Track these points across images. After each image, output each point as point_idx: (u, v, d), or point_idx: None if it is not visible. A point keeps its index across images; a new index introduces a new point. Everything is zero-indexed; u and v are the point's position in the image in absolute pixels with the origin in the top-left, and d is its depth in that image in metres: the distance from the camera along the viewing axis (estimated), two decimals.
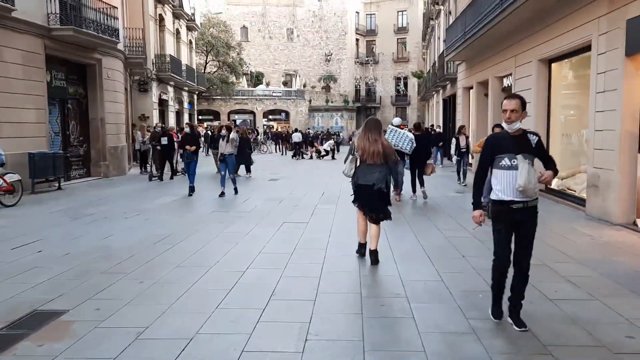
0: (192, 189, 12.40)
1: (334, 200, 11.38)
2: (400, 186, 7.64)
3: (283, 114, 54.60)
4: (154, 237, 7.55)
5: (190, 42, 35.98)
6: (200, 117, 52.84)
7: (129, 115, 24.55)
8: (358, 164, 6.05)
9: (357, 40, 62.82)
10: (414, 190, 11.68)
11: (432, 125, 28.71)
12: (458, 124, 21.05)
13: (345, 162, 6.29)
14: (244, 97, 53.40)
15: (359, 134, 6.11)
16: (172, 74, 27.32)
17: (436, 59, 27.23)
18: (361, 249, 6.29)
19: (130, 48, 20.25)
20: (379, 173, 5.92)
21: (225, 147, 12.08)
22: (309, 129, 44.63)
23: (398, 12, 61.93)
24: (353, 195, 6.22)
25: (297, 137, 29.91)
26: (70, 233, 7.92)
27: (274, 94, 54.21)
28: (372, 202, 6.00)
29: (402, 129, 11.94)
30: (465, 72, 19.87)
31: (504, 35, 13.83)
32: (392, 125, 11.34)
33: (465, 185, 14.11)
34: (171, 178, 16.38)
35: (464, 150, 14.78)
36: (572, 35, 10.16)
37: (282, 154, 33.28)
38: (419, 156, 11.38)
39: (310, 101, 54.80)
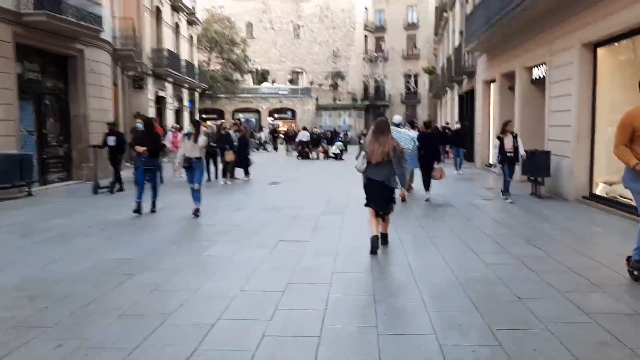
0: (138, 207, 9.00)
1: (340, 210, 9.67)
2: (405, 182, 7.19)
3: (289, 113, 52.95)
4: (109, 263, 5.88)
5: (191, 38, 34.38)
6: (204, 116, 51.43)
7: (122, 113, 23.08)
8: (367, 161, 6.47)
9: (365, 36, 61.03)
10: (427, 190, 11.09)
11: (447, 124, 26.83)
12: (478, 121, 19.28)
13: (357, 158, 6.73)
14: (249, 96, 51.81)
15: (369, 135, 6.64)
16: (169, 70, 25.72)
17: (451, 53, 25.44)
18: (374, 242, 6.32)
19: (120, 40, 18.64)
20: (388, 170, 6.39)
21: (190, 149, 8.88)
22: (315, 128, 42.92)
23: (408, 7, 60.08)
24: (366, 199, 6.73)
25: (304, 136, 28.21)
26: (6, 257, 6.27)
27: (279, 92, 52.58)
28: (381, 199, 6.55)
29: (414, 128, 12.32)
30: (486, 64, 18.08)
31: (536, 19, 12.05)
32: (393, 123, 10.43)
33: (511, 202, 10.37)
34: (118, 190, 12.33)
35: (511, 154, 10.54)
36: (626, 12, 8.41)
37: (287, 152, 31.48)
38: (427, 155, 11.03)
39: (317, 99, 53.10)
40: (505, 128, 10.82)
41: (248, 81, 53.09)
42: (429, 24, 57.30)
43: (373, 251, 6.24)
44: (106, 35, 16.26)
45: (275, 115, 53.17)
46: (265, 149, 35.90)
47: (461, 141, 17.44)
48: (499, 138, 10.90)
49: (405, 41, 61.24)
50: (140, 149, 9.17)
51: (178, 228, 8.15)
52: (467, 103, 23.05)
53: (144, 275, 5.43)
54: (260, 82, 54.97)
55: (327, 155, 27.01)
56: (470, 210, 9.72)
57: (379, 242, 6.38)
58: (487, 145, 18.84)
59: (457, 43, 24.47)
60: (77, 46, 14.73)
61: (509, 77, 15.87)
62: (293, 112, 52.50)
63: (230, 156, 14.65)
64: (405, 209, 9.86)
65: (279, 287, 4.94)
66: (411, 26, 60.74)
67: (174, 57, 26.81)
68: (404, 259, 5.98)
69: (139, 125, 21.48)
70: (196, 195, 8.99)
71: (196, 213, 8.94)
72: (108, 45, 16.64)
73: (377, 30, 62.02)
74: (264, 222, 8.47)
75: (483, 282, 5.09)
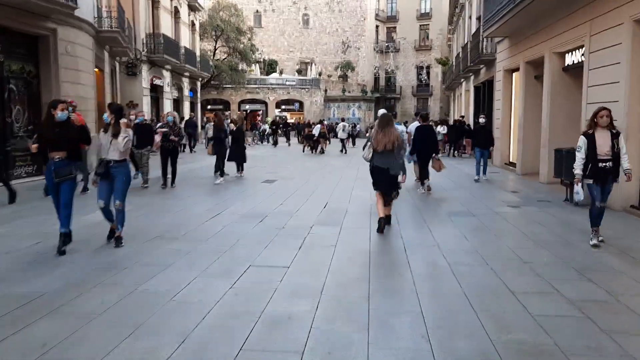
0: (65, 238, 5.88)
1: (338, 219, 7.98)
2: (405, 171, 7.49)
3: (297, 104, 51.24)
4: (9, 301, 4.25)
5: (193, 24, 32.71)
6: (209, 107, 49.88)
7: (111, 101, 21.51)
8: (373, 151, 7.19)
9: (376, 26, 59.08)
10: (422, 183, 11.08)
11: (462, 117, 25.02)
12: (497, 114, 17.45)
13: (364, 148, 7.59)
14: (256, 86, 50.08)
15: (375, 127, 7.40)
16: (166, 56, 24.07)
17: (468, 40, 23.53)
18: (381, 223, 7.07)
19: (108, 21, 16.98)
20: (391, 159, 7.08)
21: (110, 149, 6.14)
22: (323, 120, 41.18)
23: None
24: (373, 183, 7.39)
25: (316, 130, 26.53)
26: None
27: (287, 83, 50.81)
28: (386, 183, 7.22)
29: (427, 122, 12.12)
30: (508, 51, 16.22)
31: None
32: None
33: (596, 245, 6.34)
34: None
35: (606, 165, 6.24)
36: None
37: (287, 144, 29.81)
38: (423, 147, 10.97)
39: (325, 91, 51.27)
40: (597, 120, 6.29)
41: (255, 71, 51.34)
42: (442, 14, 55.26)
43: (380, 230, 7.03)
44: (86, 14, 14.63)
45: (283, 107, 51.51)
46: (268, 141, 34.23)
47: (487, 140, 13.61)
48: (587, 135, 6.36)
49: (418, 32, 59.26)
50: (33, 147, 5.94)
51: (133, 245, 6.50)
52: (484, 95, 21.18)
53: (37, 325, 3.79)
54: (268, 73, 53.23)
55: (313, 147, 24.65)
56: (496, 221, 7.99)
57: (384, 224, 7.11)
58: (508, 141, 17.03)
59: (474, 30, 22.57)
60: (49, 25, 13.09)
61: (535, 64, 14.04)
62: (301, 103, 50.79)
63: (209, 150, 13.39)
64: (415, 214, 8.18)
65: (228, 354, 3.27)
66: (424, 16, 58.71)
67: (171, 43, 25.17)
68: (416, 309, 4.26)
69: (105, 116, 19.57)
70: (119, 218, 6.25)
71: (117, 241, 6.20)
72: (88, 26, 15.01)
73: (389, 20, 60.06)
74: (240, 236, 6.80)
75: (535, 355, 3.38)
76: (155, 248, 6.19)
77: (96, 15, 15.95)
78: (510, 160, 16.82)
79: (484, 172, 13.58)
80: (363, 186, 11.47)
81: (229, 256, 5.79)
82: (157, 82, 25.50)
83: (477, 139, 13.79)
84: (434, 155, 11.16)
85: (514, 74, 16.57)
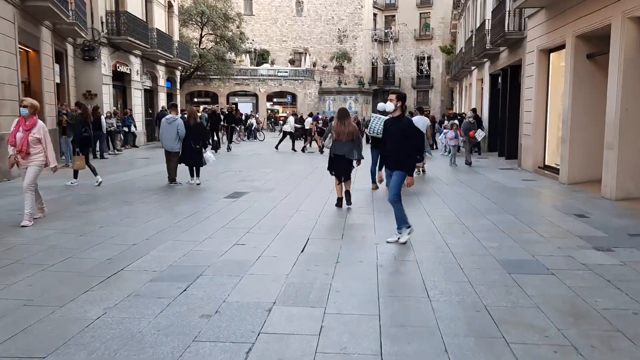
0: None
1: (320, 287, 4.57)
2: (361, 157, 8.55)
3: (289, 97, 47.74)
4: None
5: (170, 5, 29.07)
6: (195, 100, 46.36)
7: (69, 91, 18.11)
8: (334, 140, 8.40)
9: (374, 15, 55.62)
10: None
11: (474, 110, 21.43)
12: (528, 106, 14.04)
13: (325, 139, 9.67)
14: (246, 78, 46.62)
15: (335, 120, 8.64)
16: (131, 39, 20.49)
17: (485, 19, 20.04)
18: (339, 201, 8.35)
19: None
20: (348, 147, 8.24)
21: None
22: (317, 114, 37.71)
23: None
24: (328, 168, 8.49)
25: (307, 123, 23.61)
26: None
27: (279, 74, 47.29)
28: (342, 168, 8.28)
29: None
30: (545, 25, 12.77)
31: None
32: (377, 110, 9.67)
33: None
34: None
35: None
36: None
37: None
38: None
39: (320, 82, 47.71)
40: None
41: (245, 62, 47.77)
42: (444, 2, 51.82)
43: (339, 204, 8.31)
44: None
45: (275, 100, 48.00)
46: (255, 137, 30.78)
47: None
48: None
49: (418, 20, 55.86)
50: None
51: None
52: (507, 84, 17.75)
53: None
54: (259, 64, 49.66)
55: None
56: (595, 289, 4.59)
57: (343, 202, 8.34)
58: (543, 139, 13.62)
59: (492, 5, 19.10)
60: None
61: (591, 39, 10.65)
62: (294, 96, 47.33)
63: (78, 163, 10.51)
64: (454, 269, 4.78)
65: None
66: (424, 3, 55.36)
67: (137, 23, 21.58)
68: None
69: (63, 111, 16.44)
70: None
71: None
72: None
73: (388, 8, 56.71)
74: (119, 345, 3.40)
75: None
76: None
77: None
78: (546, 163, 13.43)
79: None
80: (366, 207, 8.08)
81: None
82: (122, 69, 21.97)
83: None
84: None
85: (551, 55, 13.15)
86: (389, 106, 6.06)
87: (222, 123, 23.69)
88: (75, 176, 10.71)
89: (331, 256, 5.50)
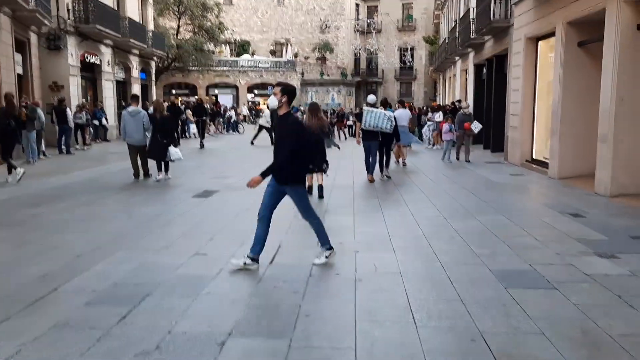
0: None
1: (284, 325, 3.87)
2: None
3: (270, 89, 46.46)
4: None
5: None
6: (174, 92, 45.23)
7: (33, 82, 17.12)
8: None
9: (356, 5, 54.71)
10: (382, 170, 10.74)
11: (459, 101, 20.90)
12: (515, 97, 13.46)
13: None
14: (226, 69, 45.53)
15: (307, 114, 8.31)
16: (99, 27, 19.45)
17: (469, 7, 19.42)
18: (310, 190, 8.16)
19: None
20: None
21: None
22: (300, 105, 36.91)
23: None
24: None
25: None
26: None
27: (260, 66, 46.30)
28: (314, 159, 7.26)
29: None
30: (534, 12, 12.16)
31: None
32: (368, 103, 10.34)
33: None
34: None
35: None
36: None
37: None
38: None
39: (302, 74, 46.82)
40: None
41: (225, 53, 46.65)
42: None
43: (309, 191, 7.96)
44: None
45: (255, 92, 47.01)
46: (235, 130, 29.94)
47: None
48: None
49: (401, 11, 55.07)
50: None
51: None
52: (490, 74, 17.19)
53: None
54: (239, 54, 48.61)
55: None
56: (602, 306, 3.99)
57: (312, 191, 8.37)
58: (530, 132, 13.07)
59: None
60: None
61: (582, 26, 10.07)
62: None
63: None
64: (443, 284, 4.11)
65: None
66: None
67: (107, 11, 20.54)
68: None
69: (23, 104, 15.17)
70: None
71: None
72: None
73: None
74: None
75: None
76: None
77: None
78: (534, 157, 12.89)
79: None
80: (365, 216, 7.43)
81: None
82: (91, 59, 20.93)
83: None
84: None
85: (539, 43, 12.58)
86: (272, 101, 4.72)
87: (183, 116, 22.15)
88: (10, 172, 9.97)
89: (303, 268, 4.81)
